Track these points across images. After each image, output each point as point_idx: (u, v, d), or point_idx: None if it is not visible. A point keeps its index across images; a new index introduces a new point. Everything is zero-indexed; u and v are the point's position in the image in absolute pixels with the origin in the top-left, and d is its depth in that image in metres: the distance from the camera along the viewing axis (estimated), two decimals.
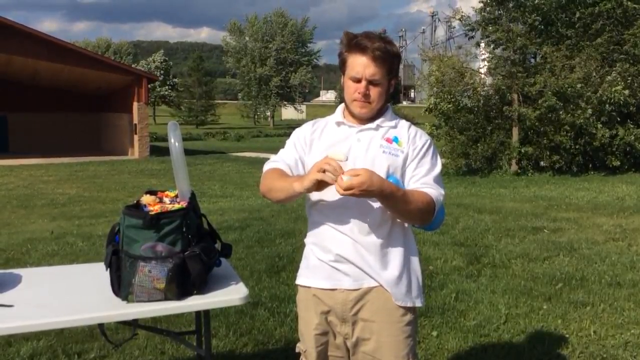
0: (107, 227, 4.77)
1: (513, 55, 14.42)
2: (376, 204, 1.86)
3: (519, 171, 14.28)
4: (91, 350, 3.45)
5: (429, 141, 1.98)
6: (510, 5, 14.63)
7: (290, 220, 7.32)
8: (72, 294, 2.16)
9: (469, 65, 15.75)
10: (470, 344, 3.60)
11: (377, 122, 1.96)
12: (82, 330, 3.61)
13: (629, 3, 13.70)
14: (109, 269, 2.08)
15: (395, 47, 1.93)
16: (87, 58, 20.42)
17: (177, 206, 2.10)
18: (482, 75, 15.73)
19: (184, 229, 2.03)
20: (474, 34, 15.40)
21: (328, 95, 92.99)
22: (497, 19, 14.77)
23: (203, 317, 2.22)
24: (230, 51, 53.98)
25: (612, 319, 3.96)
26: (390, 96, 1.99)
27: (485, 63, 15.71)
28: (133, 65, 40.18)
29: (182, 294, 2.03)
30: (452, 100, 14.61)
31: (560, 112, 13.43)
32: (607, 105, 13.40)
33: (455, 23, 16.39)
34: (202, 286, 2.09)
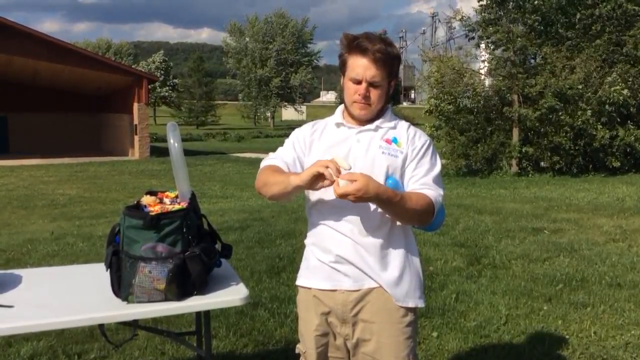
0: (108, 227, 4.76)
1: (513, 56, 14.42)
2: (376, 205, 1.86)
3: (519, 172, 14.28)
4: (91, 350, 3.45)
5: (428, 141, 1.98)
6: (510, 5, 14.63)
7: (291, 221, 7.31)
8: (72, 295, 2.16)
9: (469, 66, 15.76)
10: (471, 344, 3.60)
11: (377, 123, 1.96)
12: (82, 331, 3.60)
13: (629, 5, 13.70)
14: (109, 270, 2.08)
15: (396, 48, 1.93)
16: (88, 58, 20.43)
17: (177, 207, 2.10)
18: (482, 76, 15.74)
19: (184, 230, 2.03)
20: (474, 34, 15.41)
21: (328, 96, 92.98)
22: (497, 20, 14.78)
23: (203, 317, 2.22)
24: (231, 52, 54.02)
25: (612, 320, 3.96)
26: (390, 97, 1.99)
27: (486, 64, 15.72)
28: (133, 66, 40.16)
29: (182, 295, 2.03)
30: (452, 101, 14.62)
31: (560, 113, 13.44)
32: (607, 106, 13.40)
33: (456, 24, 16.41)
34: (203, 287, 2.09)
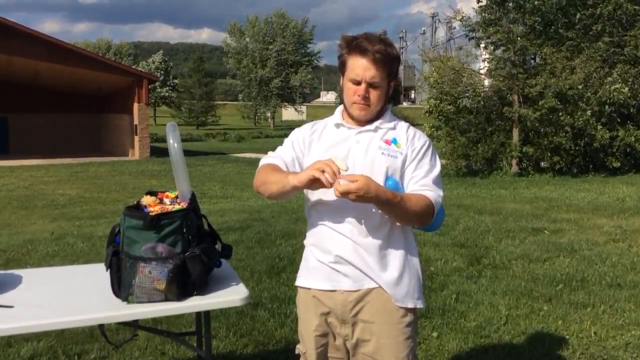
0: (108, 227, 4.77)
1: (513, 56, 14.42)
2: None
3: (519, 172, 14.28)
4: (91, 351, 3.45)
5: (427, 142, 1.98)
6: (510, 4, 14.63)
7: (291, 221, 7.31)
8: (72, 295, 2.16)
9: (469, 66, 15.76)
10: (471, 345, 3.60)
11: (376, 123, 1.96)
12: (82, 331, 3.60)
13: (629, 5, 13.70)
14: (109, 270, 2.08)
15: (395, 49, 1.93)
16: (88, 59, 20.44)
17: (177, 207, 2.10)
18: (482, 77, 15.74)
19: (184, 230, 2.03)
20: (474, 35, 15.41)
21: (328, 96, 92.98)
22: (497, 20, 14.78)
23: (203, 317, 2.22)
24: (231, 52, 54.02)
25: (612, 320, 3.95)
26: (389, 98, 1.99)
27: (486, 64, 15.73)
28: (133, 66, 40.18)
29: (182, 295, 2.03)
30: (452, 101, 14.62)
31: (560, 114, 13.44)
32: (607, 107, 13.40)
33: (456, 24, 16.42)
34: (203, 287, 2.09)
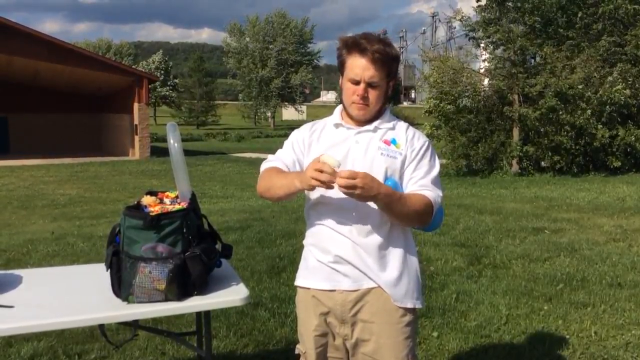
0: (108, 227, 4.77)
1: (513, 56, 14.42)
2: (375, 205, 1.86)
3: (519, 172, 14.27)
4: (92, 351, 3.45)
5: (427, 143, 1.98)
6: (510, 4, 14.63)
7: (291, 221, 7.31)
8: (72, 295, 2.16)
9: (469, 66, 15.76)
10: (471, 344, 3.60)
11: (375, 124, 1.96)
12: (82, 331, 3.61)
13: (629, 5, 13.69)
14: (109, 270, 2.08)
15: (394, 49, 1.93)
16: (88, 59, 20.44)
17: (177, 207, 2.10)
18: (482, 76, 15.73)
19: (185, 230, 2.03)
20: (474, 34, 15.41)
21: (329, 96, 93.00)
22: (497, 20, 14.78)
23: (203, 317, 2.22)
24: (231, 52, 54.02)
25: (613, 320, 3.95)
26: (389, 98, 1.99)
27: (486, 64, 15.72)
28: (133, 66, 40.18)
29: (182, 295, 2.03)
30: (452, 101, 14.62)
31: (561, 113, 13.43)
32: (607, 106, 13.40)
33: (456, 24, 16.41)
34: (203, 287, 2.09)
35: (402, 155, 1.93)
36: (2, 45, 17.69)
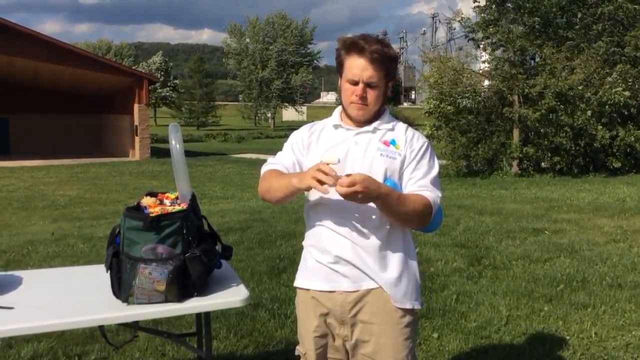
0: (108, 228, 4.76)
1: (513, 56, 14.42)
2: (375, 206, 1.86)
3: (519, 172, 14.27)
4: (92, 352, 3.45)
5: (426, 144, 1.98)
6: (510, 5, 14.63)
7: (291, 222, 7.31)
8: (72, 296, 2.16)
9: (469, 67, 15.76)
10: (471, 345, 3.60)
11: (375, 124, 1.96)
12: (82, 332, 3.60)
13: (628, 4, 13.69)
14: (109, 271, 2.08)
15: (393, 49, 1.93)
16: (88, 59, 20.46)
17: (177, 208, 2.10)
18: (482, 77, 15.73)
19: (185, 231, 2.03)
20: (474, 35, 15.41)
21: (329, 97, 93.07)
22: (496, 21, 14.78)
23: (204, 318, 2.22)
24: (231, 53, 54.03)
25: (613, 321, 3.95)
26: (388, 98, 1.99)
27: (486, 65, 15.73)
28: (134, 67, 40.21)
29: (182, 296, 2.03)
30: (452, 101, 14.62)
31: (560, 114, 13.43)
32: (607, 107, 13.40)
33: (456, 25, 16.42)
34: (203, 288, 2.09)
35: (402, 156, 1.93)
36: (2, 46, 17.70)
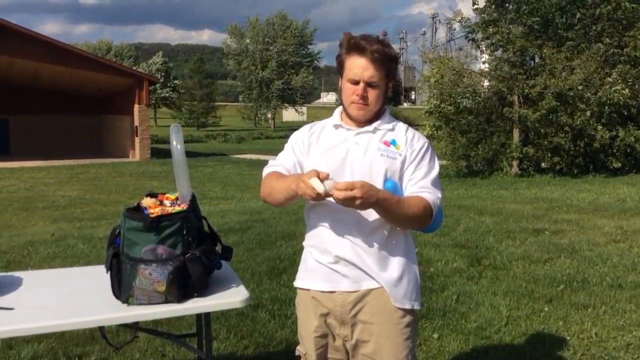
0: (108, 229, 4.76)
1: (512, 57, 14.42)
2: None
3: (519, 173, 14.27)
4: (92, 352, 3.45)
5: (426, 144, 1.98)
6: (509, 6, 14.63)
7: (291, 223, 7.31)
8: (72, 297, 2.16)
9: (469, 67, 15.77)
10: (471, 346, 3.59)
11: (375, 124, 1.96)
12: (83, 333, 3.60)
13: (627, 3, 13.69)
14: (109, 272, 2.08)
15: (393, 49, 1.93)
16: (88, 60, 20.47)
17: (177, 209, 2.10)
18: (482, 77, 15.74)
19: (185, 232, 2.03)
20: (474, 35, 15.42)
21: (329, 97, 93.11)
22: (496, 21, 14.78)
23: (204, 319, 2.23)
24: (231, 53, 54.04)
25: (613, 321, 3.95)
26: (388, 99, 1.99)
27: (486, 65, 15.73)
28: (134, 68, 40.22)
29: (182, 297, 2.04)
30: (452, 102, 14.63)
31: (560, 114, 13.43)
32: (606, 107, 13.40)
33: (456, 25, 16.43)
34: (203, 289, 2.09)
35: (402, 156, 1.93)
36: (2, 47, 17.71)
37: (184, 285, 2.03)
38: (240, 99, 58.45)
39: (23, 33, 18.62)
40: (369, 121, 1.96)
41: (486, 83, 15.48)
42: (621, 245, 6.15)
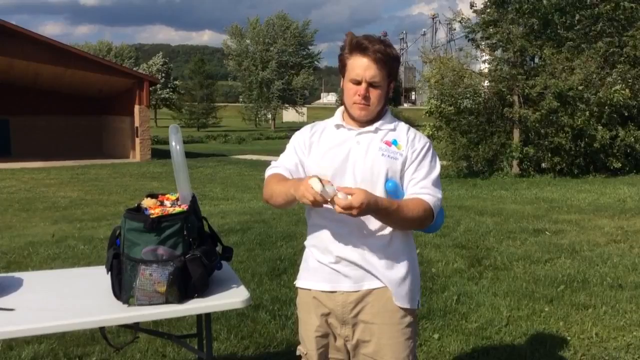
0: (109, 230, 4.77)
1: (513, 57, 14.42)
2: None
3: (520, 173, 14.27)
4: (92, 353, 3.45)
5: (427, 144, 1.98)
6: (509, 7, 14.63)
7: (292, 223, 7.31)
8: (73, 298, 2.16)
9: (469, 67, 15.77)
10: (472, 346, 3.59)
11: (376, 125, 1.96)
12: (83, 334, 3.61)
13: (626, 3, 13.69)
14: (110, 273, 2.08)
15: (395, 50, 1.93)
16: (89, 61, 20.47)
17: (178, 209, 2.10)
18: (482, 77, 15.74)
19: (185, 232, 2.04)
20: (474, 36, 15.42)
21: (329, 98, 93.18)
22: (496, 22, 14.78)
23: (204, 320, 2.23)
24: (232, 54, 54.06)
25: (614, 321, 3.95)
26: (389, 99, 1.99)
27: (486, 65, 15.73)
28: (134, 69, 40.24)
29: (183, 297, 2.04)
30: (453, 102, 14.62)
31: (560, 114, 13.43)
32: (607, 107, 13.39)
33: (456, 25, 16.43)
34: (203, 289, 2.09)
35: (403, 157, 1.93)
36: (3, 48, 17.72)
37: (184, 285, 2.03)
38: (241, 99, 58.44)
39: (23, 34, 18.62)
40: (371, 121, 1.96)
41: (486, 83, 15.48)
42: (621, 245, 6.15)
